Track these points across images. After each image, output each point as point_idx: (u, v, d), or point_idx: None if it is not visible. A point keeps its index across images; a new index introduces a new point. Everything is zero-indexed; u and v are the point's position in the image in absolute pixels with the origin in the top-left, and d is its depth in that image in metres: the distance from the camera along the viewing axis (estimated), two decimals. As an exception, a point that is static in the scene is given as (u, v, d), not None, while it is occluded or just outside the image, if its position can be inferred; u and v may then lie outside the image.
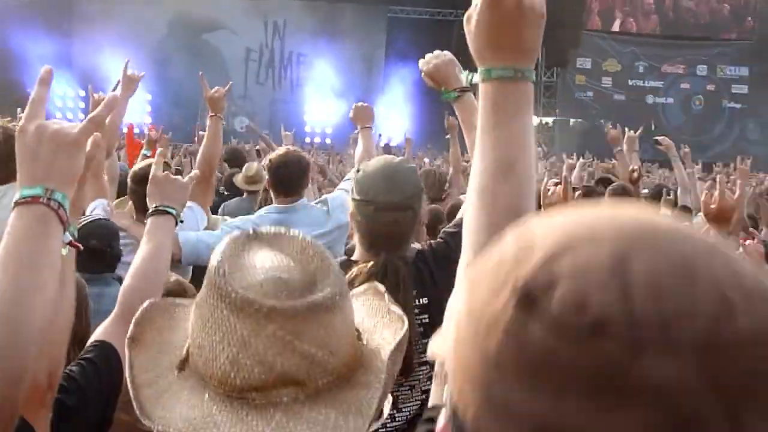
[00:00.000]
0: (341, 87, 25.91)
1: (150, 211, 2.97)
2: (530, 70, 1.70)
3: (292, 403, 1.52)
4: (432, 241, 3.09)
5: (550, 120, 24.37)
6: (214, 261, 1.59)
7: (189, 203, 4.29)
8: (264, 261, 1.62)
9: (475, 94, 2.75)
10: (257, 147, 12.10)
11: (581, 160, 11.22)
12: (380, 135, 21.06)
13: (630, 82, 26.47)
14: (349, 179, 4.92)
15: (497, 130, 1.74)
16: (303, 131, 24.21)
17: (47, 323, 1.94)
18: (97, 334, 2.45)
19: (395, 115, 25.17)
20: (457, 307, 0.86)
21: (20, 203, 1.89)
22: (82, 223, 3.59)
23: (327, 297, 1.54)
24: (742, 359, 0.68)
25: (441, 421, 0.88)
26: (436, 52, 3.45)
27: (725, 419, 0.66)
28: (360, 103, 5.87)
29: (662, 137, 8.10)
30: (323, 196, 5.67)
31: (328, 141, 24.21)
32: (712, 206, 3.99)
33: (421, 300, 2.75)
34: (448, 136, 8.70)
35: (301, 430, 1.50)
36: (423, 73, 3.42)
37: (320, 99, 26.12)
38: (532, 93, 1.73)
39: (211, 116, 5.46)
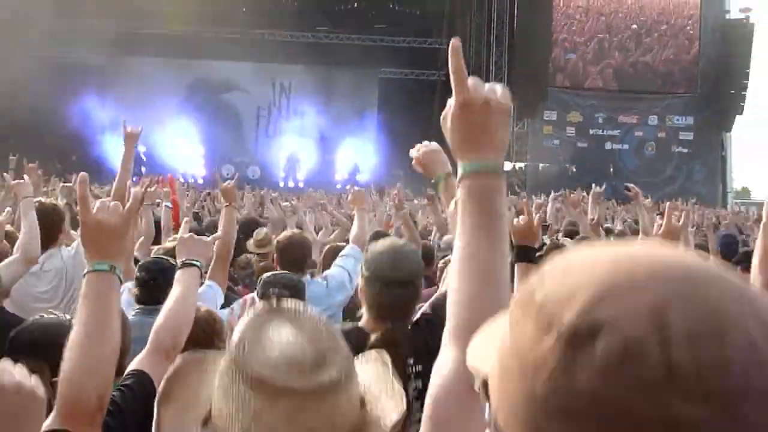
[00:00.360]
0: (339, 138, 26.54)
1: (179, 264, 3.36)
2: (501, 164, 1.75)
3: None
4: (428, 310, 3.24)
5: (522, 165, 25.32)
6: (236, 335, 1.64)
7: (208, 281, 4.68)
8: (281, 338, 1.65)
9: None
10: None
11: (552, 194, 11.94)
12: (373, 182, 22.09)
13: (591, 131, 27.11)
14: (346, 255, 5.52)
15: (476, 228, 1.77)
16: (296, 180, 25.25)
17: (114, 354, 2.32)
18: (133, 364, 2.64)
19: (386, 160, 25.76)
20: (499, 338, 0.87)
21: (94, 272, 2.31)
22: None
23: (334, 379, 1.58)
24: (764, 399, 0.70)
25: None
26: (425, 142, 3.50)
27: None
28: (357, 189, 6.57)
29: (632, 185, 8.24)
30: (326, 273, 5.70)
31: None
32: (660, 230, 4.25)
33: (416, 368, 2.82)
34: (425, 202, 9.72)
35: None
36: (413, 161, 3.56)
37: (321, 148, 26.89)
38: (504, 183, 1.76)
39: (226, 206, 5.62)
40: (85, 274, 2.34)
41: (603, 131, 27.07)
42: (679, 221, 4.32)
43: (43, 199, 6.26)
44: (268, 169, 25.58)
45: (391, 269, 3.36)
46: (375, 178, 22.61)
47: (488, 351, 0.90)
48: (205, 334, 3.48)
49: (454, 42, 1.74)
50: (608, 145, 27.04)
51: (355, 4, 26.80)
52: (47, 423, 2.09)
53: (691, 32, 26.79)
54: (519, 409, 0.78)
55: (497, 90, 1.71)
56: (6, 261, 5.14)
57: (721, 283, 0.74)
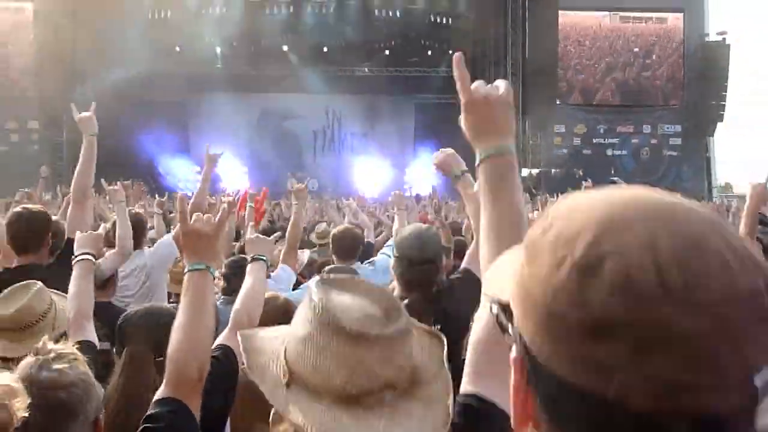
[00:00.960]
0: (381, 156, 26.97)
1: (249, 258, 3.50)
2: (510, 145, 1.88)
3: (394, 400, 1.66)
4: (451, 279, 3.50)
5: (536, 171, 25.72)
6: (317, 307, 1.68)
7: (281, 265, 5.01)
8: (353, 301, 1.72)
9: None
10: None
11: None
12: (411, 188, 23.36)
13: (594, 140, 27.25)
14: (388, 246, 5.51)
15: (494, 199, 1.89)
16: (353, 191, 24.41)
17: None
18: (219, 340, 2.74)
19: (422, 175, 25.63)
20: (517, 269, 0.92)
21: (192, 270, 2.47)
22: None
23: (406, 325, 1.71)
24: (741, 310, 0.77)
25: (513, 353, 0.96)
26: (441, 149, 3.76)
27: (731, 353, 0.77)
28: (397, 193, 6.92)
29: (617, 178, 9.08)
30: (372, 259, 5.86)
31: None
32: None
33: (436, 328, 2.62)
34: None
35: (404, 417, 1.66)
36: (434, 164, 3.81)
37: (366, 164, 27.15)
38: (515, 160, 1.88)
39: (295, 204, 5.93)
40: (185, 273, 2.51)
41: (604, 140, 27.31)
42: None
43: (131, 209, 6.49)
44: (323, 181, 26.27)
45: (416, 250, 3.69)
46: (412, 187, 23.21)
47: (503, 283, 0.97)
48: (285, 317, 3.47)
49: (456, 56, 1.90)
50: (609, 152, 27.19)
51: (392, 43, 27.41)
52: (159, 392, 2.29)
53: (677, 53, 27.06)
54: (542, 326, 0.85)
55: (500, 87, 1.87)
56: (105, 255, 5.17)
57: (698, 217, 0.83)
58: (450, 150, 3.70)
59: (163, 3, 25.55)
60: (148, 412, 2.25)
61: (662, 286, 0.77)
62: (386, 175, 26.60)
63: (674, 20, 26.93)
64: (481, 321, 1.80)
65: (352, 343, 1.64)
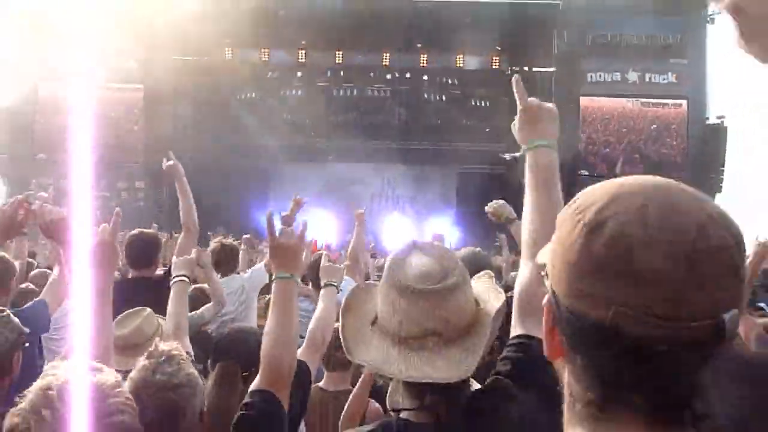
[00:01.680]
0: (427, 218, 26.63)
1: (323, 284, 3.38)
2: (554, 142, 2.01)
3: (434, 346, 1.73)
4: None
5: None
6: (388, 261, 1.83)
7: (346, 277, 4.60)
8: (417, 260, 1.81)
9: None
10: None
11: None
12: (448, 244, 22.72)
13: None
14: None
15: (538, 194, 1.96)
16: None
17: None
18: (298, 356, 2.60)
19: (464, 232, 25.07)
20: (552, 237, 1.03)
21: (279, 279, 2.46)
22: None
23: (453, 283, 1.76)
24: (710, 261, 0.86)
25: (545, 300, 1.04)
26: (495, 201, 3.79)
27: (703, 296, 0.85)
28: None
29: None
30: None
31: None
32: None
33: None
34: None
35: (439, 363, 1.71)
36: (489, 213, 3.84)
37: (414, 224, 26.49)
38: (556, 155, 1.99)
39: (357, 226, 5.88)
40: (272, 280, 2.54)
41: None
42: None
43: (224, 241, 6.74)
44: (378, 236, 25.48)
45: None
46: (456, 246, 22.74)
47: (546, 250, 1.08)
48: None
49: (515, 78, 2.05)
50: None
51: (438, 121, 27.31)
52: (254, 385, 2.31)
53: (682, 133, 26.81)
54: (562, 273, 0.96)
55: (548, 105, 2.06)
56: (206, 306, 5.32)
57: (686, 193, 0.93)
58: (502, 201, 3.99)
59: (252, 86, 26.58)
60: (245, 401, 2.28)
61: (648, 238, 0.87)
62: (430, 233, 25.63)
63: (679, 106, 26.96)
64: (521, 277, 1.91)
65: (402, 294, 1.75)
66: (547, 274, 1.04)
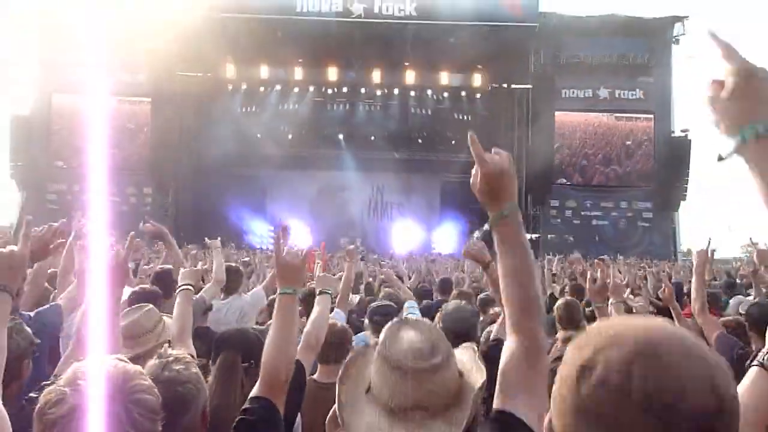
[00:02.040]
0: (413, 222, 27.12)
1: (318, 292, 3.41)
2: (515, 206, 1.77)
3: (420, 419, 1.69)
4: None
5: (535, 236, 24.28)
6: (382, 337, 1.81)
7: (336, 309, 4.53)
8: (408, 337, 1.78)
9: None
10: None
11: (557, 256, 12.42)
12: (435, 247, 24.24)
13: (582, 213, 27.16)
14: (412, 305, 5.22)
15: (510, 258, 1.76)
16: (390, 247, 24.55)
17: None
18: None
19: (446, 240, 25.98)
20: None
21: (283, 294, 2.42)
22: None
23: (440, 361, 1.73)
24: (685, 425, 0.83)
25: (546, 420, 1.02)
26: (473, 242, 3.65)
27: None
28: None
29: (604, 257, 8.34)
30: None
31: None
32: (594, 284, 3.99)
33: None
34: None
35: None
36: (465, 254, 3.76)
37: (402, 229, 27.24)
38: (520, 217, 1.78)
39: (347, 262, 5.17)
40: (278, 295, 2.47)
41: (590, 213, 27.24)
42: (609, 278, 3.99)
43: (230, 265, 6.38)
44: (368, 239, 26.58)
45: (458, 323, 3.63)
46: (454, 253, 22.30)
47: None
48: (342, 338, 3.85)
49: (471, 135, 1.80)
50: (594, 222, 27.17)
51: (424, 134, 28.00)
52: (254, 392, 2.28)
53: (649, 145, 27.29)
54: (559, 408, 0.95)
55: (502, 156, 1.78)
56: (206, 287, 5.16)
57: (676, 346, 0.89)
58: (481, 243, 3.59)
59: (252, 100, 27.04)
60: (245, 406, 2.26)
61: (626, 395, 0.86)
62: (416, 237, 26.82)
63: (646, 120, 27.37)
64: (508, 351, 1.73)
65: (392, 370, 1.72)
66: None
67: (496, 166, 1.78)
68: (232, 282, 6.01)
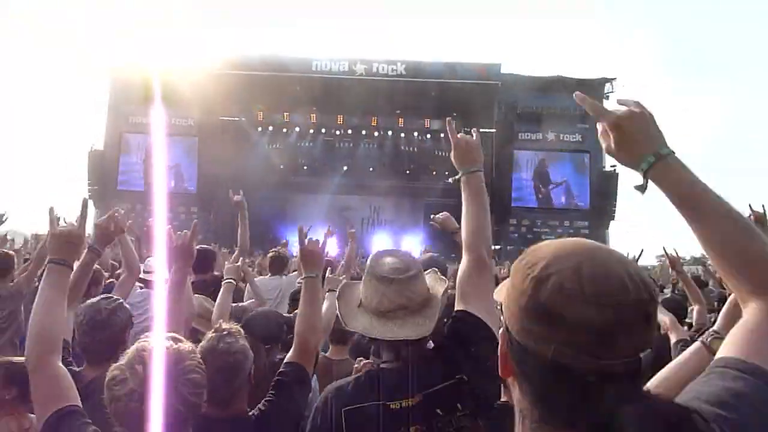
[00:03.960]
0: (403, 236, 26.11)
1: (327, 290, 3.25)
2: (480, 166, 1.92)
3: (403, 316, 1.74)
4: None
5: (496, 247, 21.69)
6: (369, 261, 1.81)
7: (342, 278, 4.25)
8: (388, 260, 1.83)
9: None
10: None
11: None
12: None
13: (534, 229, 26.42)
14: None
15: (471, 205, 1.87)
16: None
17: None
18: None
19: (431, 245, 24.62)
20: (507, 282, 0.94)
21: (308, 278, 2.33)
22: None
23: (414, 273, 1.78)
24: (631, 311, 0.81)
25: (500, 330, 0.96)
26: (440, 213, 3.54)
27: (622, 334, 0.80)
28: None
29: None
30: None
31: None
32: None
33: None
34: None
35: (409, 326, 1.72)
36: (436, 223, 3.59)
37: (391, 240, 25.86)
38: (482, 176, 1.90)
39: (350, 242, 5.18)
40: (303, 278, 2.40)
41: (540, 229, 26.59)
42: None
43: (279, 250, 6.68)
44: (367, 249, 25.53)
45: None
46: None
47: (502, 291, 0.99)
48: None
49: (449, 120, 2.02)
50: (543, 237, 24.29)
51: (411, 166, 27.40)
52: (288, 357, 2.23)
53: (586, 177, 26.87)
54: (514, 312, 0.89)
55: (474, 135, 1.95)
56: (251, 300, 4.97)
57: (610, 255, 0.88)
58: (446, 213, 3.59)
59: (276, 139, 26.85)
60: (281, 369, 2.22)
61: (582, 292, 0.82)
62: (404, 247, 25.33)
63: (583, 158, 27.26)
64: (462, 268, 1.87)
65: (380, 282, 1.76)
66: (501, 309, 0.97)
67: (464, 139, 1.99)
68: (277, 266, 6.11)
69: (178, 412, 1.50)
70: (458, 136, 2.00)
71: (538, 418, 0.89)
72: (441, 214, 3.66)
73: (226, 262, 4.09)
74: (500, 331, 0.97)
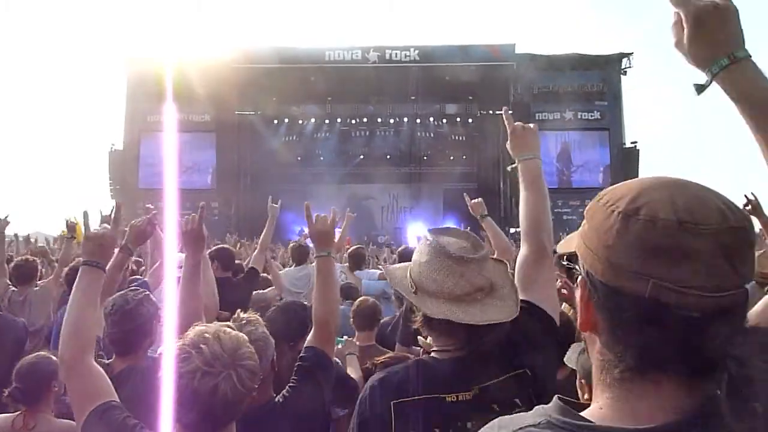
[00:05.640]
0: (422, 222, 25.16)
1: (315, 255, 2.69)
2: (537, 153, 1.89)
3: (483, 298, 1.62)
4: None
5: (517, 229, 23.13)
6: (432, 243, 1.68)
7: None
8: (450, 240, 1.70)
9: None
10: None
11: None
12: None
13: (555, 210, 23.08)
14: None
15: (529, 192, 1.83)
16: (406, 242, 23.54)
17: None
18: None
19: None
20: (580, 230, 0.89)
21: (320, 256, 2.28)
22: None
23: (486, 252, 1.70)
24: (733, 238, 0.75)
25: (580, 279, 0.88)
26: (476, 198, 3.66)
27: (726, 263, 0.75)
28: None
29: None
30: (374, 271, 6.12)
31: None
32: None
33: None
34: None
35: (492, 309, 1.60)
36: (470, 206, 3.64)
37: (413, 228, 25.69)
38: (540, 163, 1.87)
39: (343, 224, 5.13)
40: (315, 257, 2.36)
41: (561, 210, 25.35)
42: None
43: (301, 241, 7.00)
44: (387, 235, 25.19)
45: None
46: None
47: (569, 242, 0.97)
48: (374, 311, 3.91)
49: (505, 109, 2.11)
50: (564, 217, 24.82)
51: (429, 152, 27.50)
52: (307, 341, 2.23)
53: (607, 155, 26.66)
54: (600, 256, 0.82)
55: (530, 126, 1.95)
56: (271, 288, 5.23)
57: (702, 187, 0.82)
58: (480, 199, 3.71)
59: (292, 131, 27.07)
60: (301, 354, 2.20)
61: (679, 223, 0.77)
62: (424, 234, 25.36)
63: (602, 135, 27.04)
64: (521, 256, 1.82)
65: (456, 262, 1.64)
66: (574, 258, 0.91)
67: (520, 125, 1.96)
68: (300, 256, 6.28)
69: (238, 393, 1.53)
70: (515, 124, 1.96)
71: (627, 367, 0.81)
72: (475, 200, 3.72)
73: (253, 254, 4.36)
74: (578, 279, 0.90)
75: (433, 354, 1.70)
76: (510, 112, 2.05)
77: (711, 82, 1.07)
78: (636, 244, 0.78)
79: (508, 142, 1.97)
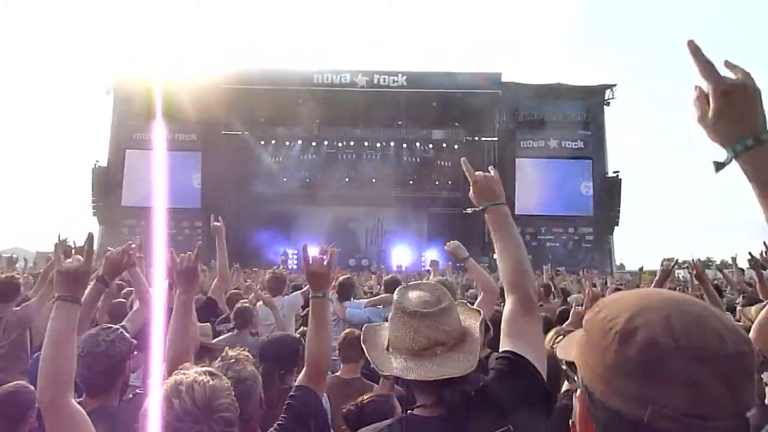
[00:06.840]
0: (406, 246, 26.08)
1: (311, 296, 2.63)
2: (502, 199, 1.86)
3: (443, 353, 1.61)
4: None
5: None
6: (395, 299, 1.71)
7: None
8: (415, 294, 1.72)
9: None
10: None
11: None
12: (424, 263, 22.62)
13: (539, 237, 26.75)
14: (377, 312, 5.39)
15: (503, 240, 1.79)
16: (390, 265, 22.68)
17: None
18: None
19: (431, 257, 24.01)
20: (578, 339, 0.87)
21: (314, 297, 2.24)
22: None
23: (446, 305, 1.66)
24: (732, 364, 0.73)
25: (578, 392, 0.87)
26: (451, 242, 3.57)
27: (725, 391, 0.72)
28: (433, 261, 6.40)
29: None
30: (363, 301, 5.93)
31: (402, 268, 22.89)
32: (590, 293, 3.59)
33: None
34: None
35: (449, 364, 1.59)
36: (447, 250, 3.66)
37: (397, 250, 26.14)
38: (507, 209, 1.83)
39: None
40: (311, 299, 2.31)
41: (545, 237, 26.97)
42: (596, 286, 3.85)
43: (276, 271, 6.41)
44: (371, 259, 25.94)
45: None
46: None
47: (569, 348, 0.93)
48: (359, 343, 3.18)
49: (463, 159, 2.00)
50: (548, 244, 26.66)
51: (414, 176, 27.59)
52: (298, 381, 2.17)
53: (589, 184, 27.14)
54: (597, 372, 0.80)
55: (492, 172, 1.92)
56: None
57: (698, 305, 0.81)
58: (457, 242, 3.70)
59: (279, 152, 27.30)
60: (291, 393, 2.17)
61: (677, 348, 0.75)
62: (409, 257, 25.45)
63: (585, 164, 27.44)
64: (507, 308, 1.78)
65: (411, 318, 1.65)
66: (572, 368, 0.90)
67: (481, 174, 1.90)
68: (275, 286, 5.99)
69: None
70: (476, 173, 1.93)
71: None
72: (451, 242, 3.66)
73: (215, 281, 4.25)
74: (577, 393, 0.89)
75: (416, 411, 1.67)
76: (467, 161, 2.00)
77: (731, 160, 1.05)
78: (635, 368, 0.77)
79: (470, 191, 1.93)
